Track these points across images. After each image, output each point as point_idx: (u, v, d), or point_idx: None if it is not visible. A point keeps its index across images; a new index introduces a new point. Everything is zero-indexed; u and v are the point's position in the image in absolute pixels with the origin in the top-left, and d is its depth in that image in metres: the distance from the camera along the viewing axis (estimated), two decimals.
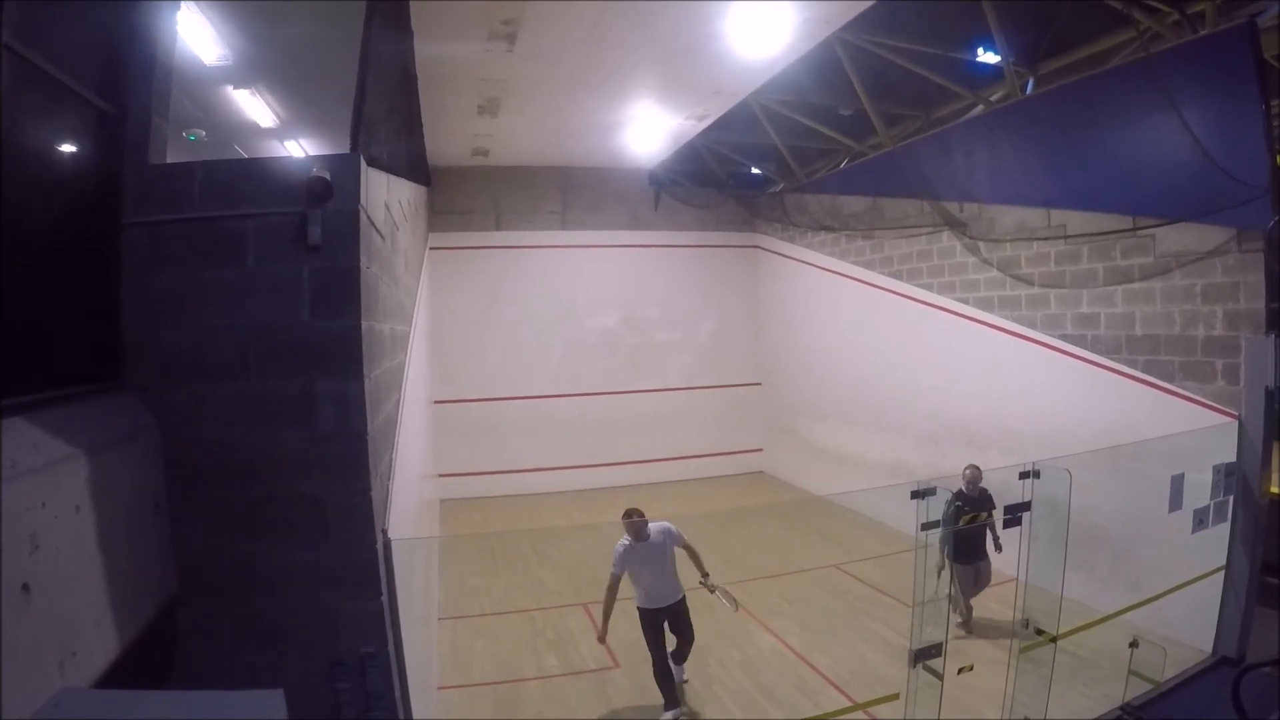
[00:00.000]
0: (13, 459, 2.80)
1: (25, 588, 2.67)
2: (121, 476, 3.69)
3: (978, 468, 9.70)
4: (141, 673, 3.71)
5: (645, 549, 8.28)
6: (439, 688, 8.60)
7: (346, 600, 4.42)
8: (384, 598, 4.54)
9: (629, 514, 8.32)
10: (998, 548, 9.46)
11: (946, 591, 8.77)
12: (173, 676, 4.16)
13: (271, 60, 10.65)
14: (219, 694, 2.95)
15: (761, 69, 12.08)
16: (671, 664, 8.48)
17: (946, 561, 8.97)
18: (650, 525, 8.37)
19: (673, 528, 8.50)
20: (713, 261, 21.20)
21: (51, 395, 3.53)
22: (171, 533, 4.15)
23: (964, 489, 9.59)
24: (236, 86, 11.44)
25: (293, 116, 13.46)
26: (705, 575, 8.59)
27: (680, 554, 8.55)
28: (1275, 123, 9.53)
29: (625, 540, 8.31)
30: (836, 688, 8.81)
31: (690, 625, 8.58)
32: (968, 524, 9.18)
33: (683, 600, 8.53)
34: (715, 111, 14.53)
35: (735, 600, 8.82)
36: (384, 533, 4.64)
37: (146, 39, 4.53)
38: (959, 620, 9.80)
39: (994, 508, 9.40)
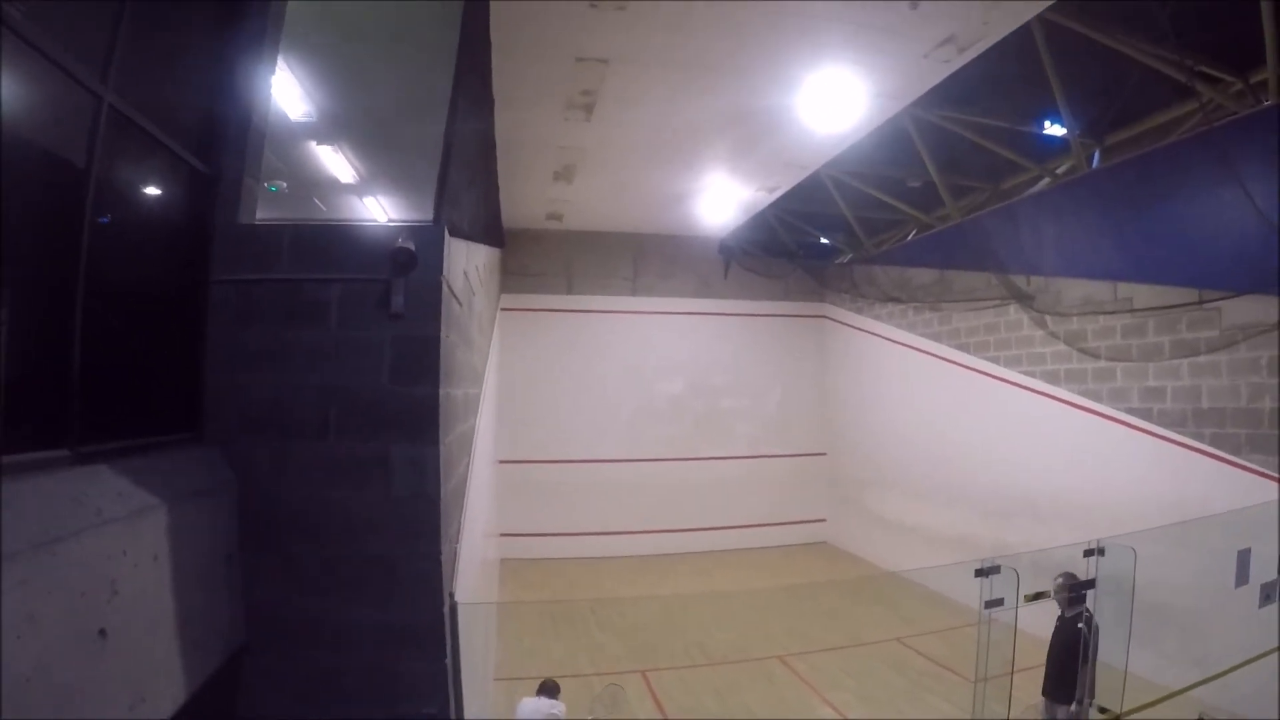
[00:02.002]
0: (98, 506, 2.90)
1: (102, 632, 2.75)
2: (198, 528, 3.79)
3: (1067, 574, 7.85)
4: (207, 718, 3.76)
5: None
6: None
7: (410, 660, 4.45)
8: (448, 660, 4.56)
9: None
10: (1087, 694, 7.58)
11: None
12: None
13: (355, 118, 10.96)
14: None
15: (833, 143, 12.21)
16: None
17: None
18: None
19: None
20: (781, 330, 21.18)
21: (134, 443, 3.65)
22: (243, 584, 4.23)
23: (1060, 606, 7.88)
24: (320, 142, 11.76)
25: (372, 173, 13.81)
26: None
27: None
28: None
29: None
30: None
31: None
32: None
33: None
34: (786, 183, 14.66)
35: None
36: (450, 596, 4.67)
37: (243, 102, 4.75)
38: None
39: (1087, 636, 7.60)
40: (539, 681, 8.36)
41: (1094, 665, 7.66)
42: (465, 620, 4.94)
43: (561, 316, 19.73)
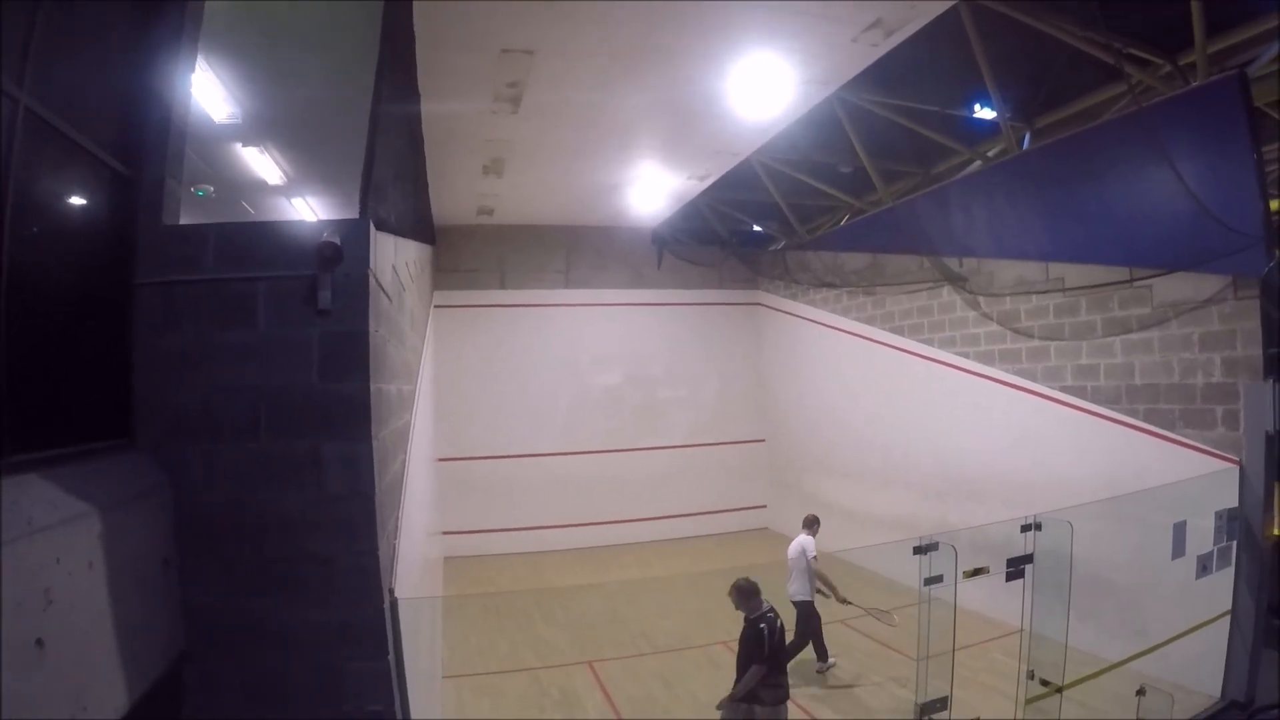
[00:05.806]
0: (29, 515, 2.85)
1: (39, 642, 2.71)
2: (133, 533, 3.73)
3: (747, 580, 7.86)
4: None
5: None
6: None
7: (353, 659, 4.42)
8: (390, 657, 4.54)
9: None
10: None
11: None
12: None
13: (280, 119, 10.78)
14: None
15: (763, 129, 12.29)
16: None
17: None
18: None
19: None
20: (716, 319, 21.35)
21: (65, 452, 3.58)
22: (181, 589, 4.18)
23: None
24: (245, 144, 11.54)
25: (300, 174, 13.59)
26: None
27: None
28: (1269, 170, 9.65)
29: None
30: None
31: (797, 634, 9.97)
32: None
33: (798, 604, 10.26)
34: (717, 171, 14.72)
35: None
36: (390, 592, 4.65)
37: (162, 102, 4.65)
38: None
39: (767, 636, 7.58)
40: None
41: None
42: (408, 618, 4.93)
43: (496, 312, 19.71)
